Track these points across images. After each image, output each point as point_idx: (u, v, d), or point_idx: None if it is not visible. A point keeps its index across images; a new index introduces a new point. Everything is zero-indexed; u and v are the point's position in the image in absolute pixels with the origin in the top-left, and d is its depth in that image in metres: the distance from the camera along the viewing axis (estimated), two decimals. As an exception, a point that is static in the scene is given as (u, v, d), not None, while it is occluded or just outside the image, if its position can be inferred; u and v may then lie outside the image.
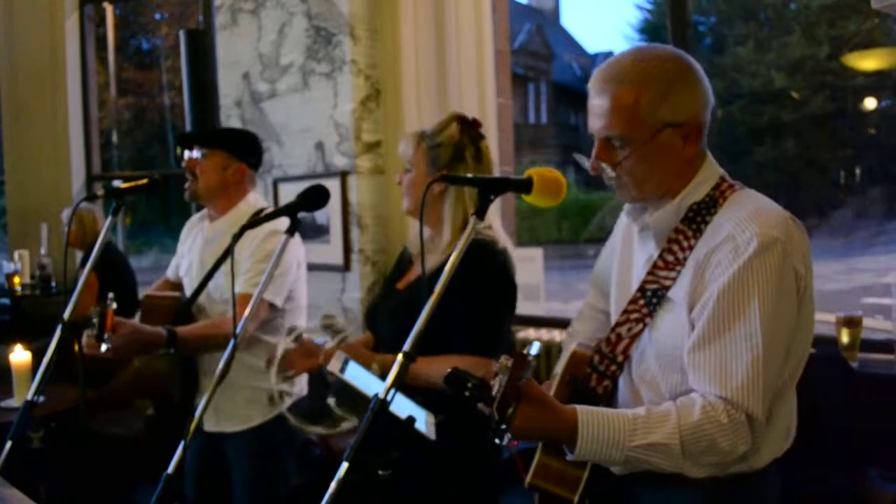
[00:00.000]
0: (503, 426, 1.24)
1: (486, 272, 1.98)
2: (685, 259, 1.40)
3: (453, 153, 2.11)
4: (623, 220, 1.65)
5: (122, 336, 2.20)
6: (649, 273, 1.45)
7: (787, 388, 1.43)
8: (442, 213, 2.10)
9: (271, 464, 2.59)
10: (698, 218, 1.42)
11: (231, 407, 2.51)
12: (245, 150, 2.63)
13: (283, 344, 2.13)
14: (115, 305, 2.18)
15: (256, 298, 1.81)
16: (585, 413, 1.32)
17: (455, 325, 1.84)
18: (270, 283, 2.42)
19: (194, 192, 2.58)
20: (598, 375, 1.49)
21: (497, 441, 1.26)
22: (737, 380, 1.31)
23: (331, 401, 2.03)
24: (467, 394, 1.24)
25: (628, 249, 1.61)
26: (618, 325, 1.49)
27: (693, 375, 1.36)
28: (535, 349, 1.28)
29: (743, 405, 1.30)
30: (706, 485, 1.39)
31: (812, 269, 1.40)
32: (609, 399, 1.50)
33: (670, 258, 1.43)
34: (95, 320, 2.16)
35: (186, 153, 2.59)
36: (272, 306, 2.48)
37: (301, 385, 2.61)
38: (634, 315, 1.46)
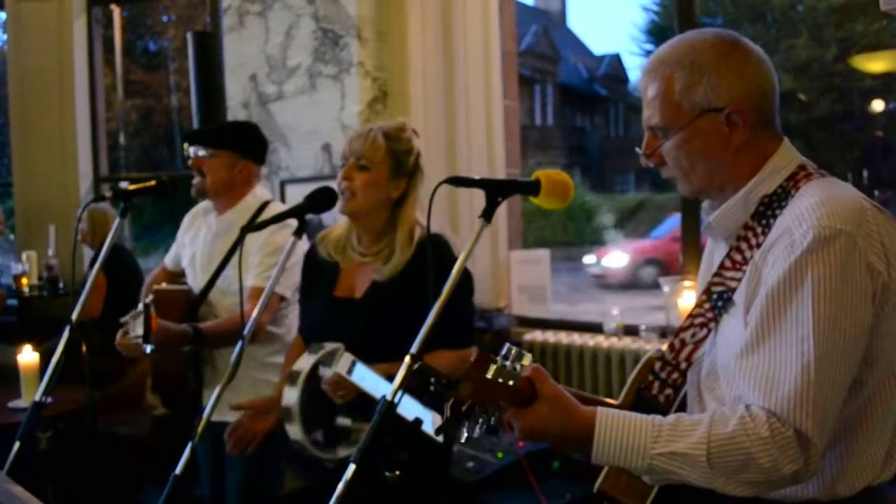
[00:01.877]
0: (456, 422, 1.20)
1: (445, 264, 1.99)
2: (752, 258, 1.27)
3: (415, 163, 2.13)
4: (709, 238, 1.53)
5: (155, 335, 2.21)
6: (715, 274, 1.34)
7: (875, 404, 1.26)
8: (395, 218, 2.10)
9: (267, 458, 2.58)
10: (768, 212, 1.28)
11: (233, 396, 2.51)
12: (251, 147, 2.67)
13: (292, 395, 1.98)
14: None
15: (268, 292, 1.82)
16: (605, 416, 1.23)
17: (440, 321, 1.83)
18: (281, 276, 2.46)
19: (202, 190, 2.61)
20: (660, 383, 1.38)
21: (451, 436, 1.24)
22: (783, 390, 1.16)
23: (344, 421, 1.99)
24: (431, 388, 1.24)
25: (710, 262, 1.49)
26: (682, 329, 1.38)
27: (740, 384, 1.23)
28: (503, 349, 1.25)
29: (790, 419, 1.15)
30: None
31: None
32: (672, 409, 1.39)
33: (738, 257, 1.30)
34: (138, 321, 2.17)
35: (192, 150, 2.61)
36: (282, 298, 2.51)
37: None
38: (699, 319, 1.35)
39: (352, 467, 1.27)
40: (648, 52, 21.57)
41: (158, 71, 16.07)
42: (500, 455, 3.14)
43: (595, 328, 3.87)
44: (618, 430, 1.22)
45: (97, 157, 5.77)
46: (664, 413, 1.30)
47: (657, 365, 1.40)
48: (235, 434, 2.19)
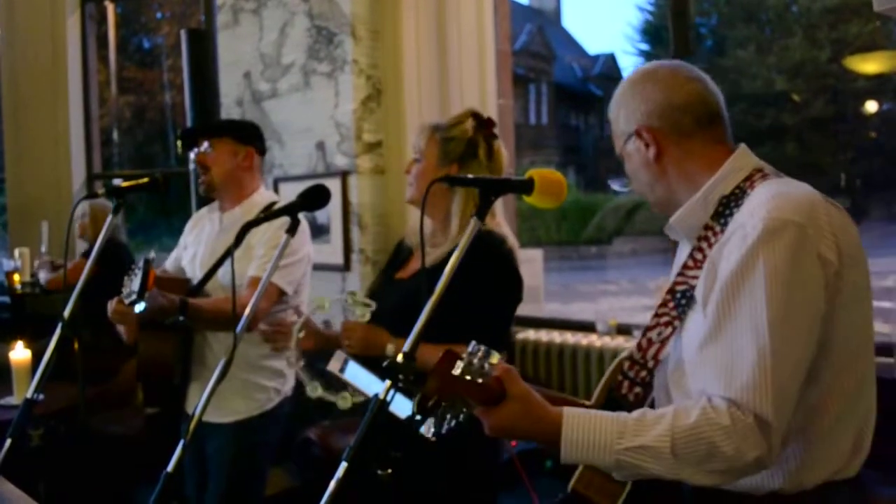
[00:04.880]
0: (421, 417, 1.21)
1: (493, 264, 1.99)
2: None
3: (465, 148, 2.11)
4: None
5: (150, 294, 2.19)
6: (679, 274, 1.39)
7: (838, 394, 1.30)
8: (450, 206, 2.10)
9: (250, 462, 2.57)
10: (726, 211, 1.35)
11: (221, 398, 2.49)
12: (249, 134, 2.67)
13: (298, 325, 2.10)
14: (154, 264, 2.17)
15: (267, 278, 1.81)
16: (571, 415, 1.26)
17: (462, 315, 1.83)
18: (283, 271, 2.43)
19: (209, 184, 2.59)
20: (629, 382, 1.42)
21: (417, 429, 1.24)
22: (742, 378, 1.20)
23: (314, 386, 2.00)
24: (399, 385, 1.27)
25: (679, 262, 1.52)
26: (648, 329, 1.42)
27: (702, 373, 1.28)
28: (470, 346, 1.24)
29: (749, 406, 1.19)
30: None
31: (860, 257, 1.30)
32: (642, 406, 1.41)
33: (699, 256, 1.36)
34: (135, 278, 2.13)
35: (193, 151, 2.60)
36: (282, 293, 2.49)
37: (290, 384, 2.63)
38: (664, 318, 1.40)
39: (343, 465, 1.27)
40: (643, 52, 21.61)
41: (152, 68, 16.04)
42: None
43: (588, 327, 3.87)
44: (584, 428, 1.25)
45: (90, 154, 5.76)
46: (632, 410, 1.33)
47: (626, 364, 1.44)
48: (274, 336, 2.22)
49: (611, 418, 1.25)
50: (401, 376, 1.25)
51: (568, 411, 1.26)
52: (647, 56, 20.72)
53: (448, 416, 1.22)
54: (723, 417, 1.19)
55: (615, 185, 1.55)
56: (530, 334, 3.90)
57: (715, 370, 1.24)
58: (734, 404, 1.20)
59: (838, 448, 1.32)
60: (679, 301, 1.37)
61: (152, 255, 2.17)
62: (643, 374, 1.41)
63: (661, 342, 1.39)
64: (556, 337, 3.82)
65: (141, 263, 2.15)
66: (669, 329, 1.38)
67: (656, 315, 1.41)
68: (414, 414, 1.20)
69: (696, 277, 1.34)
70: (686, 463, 1.21)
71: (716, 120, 1.43)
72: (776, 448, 1.21)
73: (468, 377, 1.20)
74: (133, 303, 2.13)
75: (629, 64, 24.88)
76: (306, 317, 2.13)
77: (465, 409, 1.23)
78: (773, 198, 1.27)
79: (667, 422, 1.22)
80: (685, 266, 1.38)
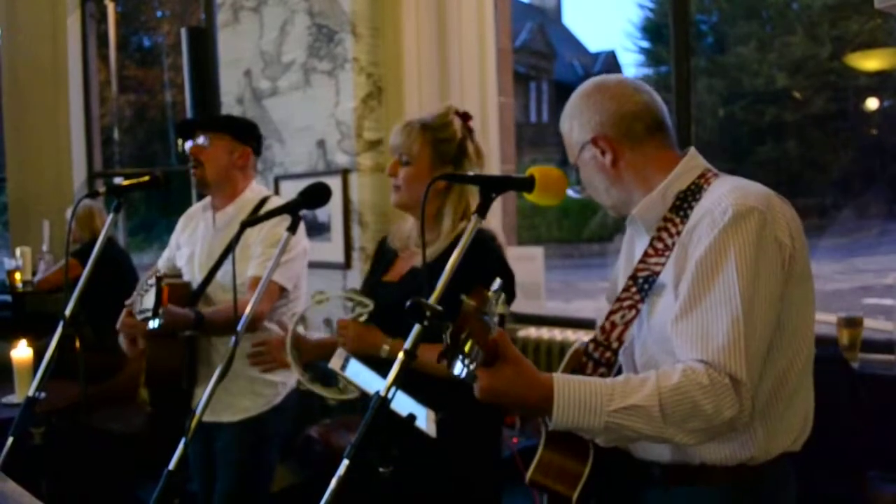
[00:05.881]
0: (455, 352, 1.19)
1: (489, 261, 1.99)
2: (674, 244, 1.44)
3: (458, 148, 2.11)
4: (627, 230, 1.69)
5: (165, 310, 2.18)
6: (640, 261, 1.49)
7: (792, 373, 1.43)
8: (441, 206, 2.09)
9: (260, 456, 2.59)
10: (685, 205, 1.47)
11: (229, 397, 2.49)
12: (248, 134, 2.67)
13: (292, 329, 2.13)
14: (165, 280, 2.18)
15: (267, 278, 1.82)
16: (562, 379, 1.31)
17: None
18: (282, 268, 2.43)
19: (202, 180, 2.59)
20: (593, 363, 1.48)
21: (450, 369, 1.19)
22: (717, 341, 1.30)
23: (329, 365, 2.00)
24: (426, 322, 1.24)
25: (630, 252, 1.65)
26: (611, 312, 1.50)
27: (677, 346, 1.36)
28: (495, 285, 1.25)
29: (725, 366, 1.29)
30: (714, 482, 1.41)
31: (805, 245, 1.43)
32: None
33: (660, 245, 1.47)
34: (148, 294, 2.13)
35: (189, 142, 2.60)
36: (282, 289, 2.49)
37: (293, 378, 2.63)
38: (627, 302, 1.48)
39: (345, 463, 1.27)
40: (644, 50, 21.56)
41: (153, 66, 16.02)
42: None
43: (589, 325, 3.87)
44: (575, 391, 1.29)
45: (91, 153, 5.77)
46: None
47: (590, 346, 1.50)
48: (260, 357, 2.25)
49: (599, 382, 1.32)
50: (428, 313, 1.23)
51: (558, 376, 1.32)
52: (648, 53, 20.71)
53: (474, 354, 1.20)
54: (701, 377, 1.28)
55: (571, 193, 1.62)
56: (531, 332, 3.89)
57: (691, 338, 1.34)
58: (710, 366, 1.30)
59: (794, 422, 1.46)
60: (641, 286, 1.47)
61: (161, 269, 2.17)
62: (608, 354, 1.48)
63: (624, 324, 1.47)
64: (557, 334, 3.82)
65: (153, 280, 2.15)
66: (633, 312, 1.47)
67: (619, 300, 1.50)
68: (446, 350, 1.19)
69: (658, 264, 1.46)
70: (672, 422, 1.29)
71: (662, 127, 1.56)
72: (747, 408, 1.30)
73: (486, 320, 1.21)
74: (147, 319, 2.14)
75: (630, 61, 24.85)
76: (293, 331, 2.13)
77: (478, 357, 1.21)
78: (734, 189, 1.41)
79: (652, 383, 1.30)
80: (646, 255, 1.49)
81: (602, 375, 1.46)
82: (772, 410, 1.42)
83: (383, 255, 2.29)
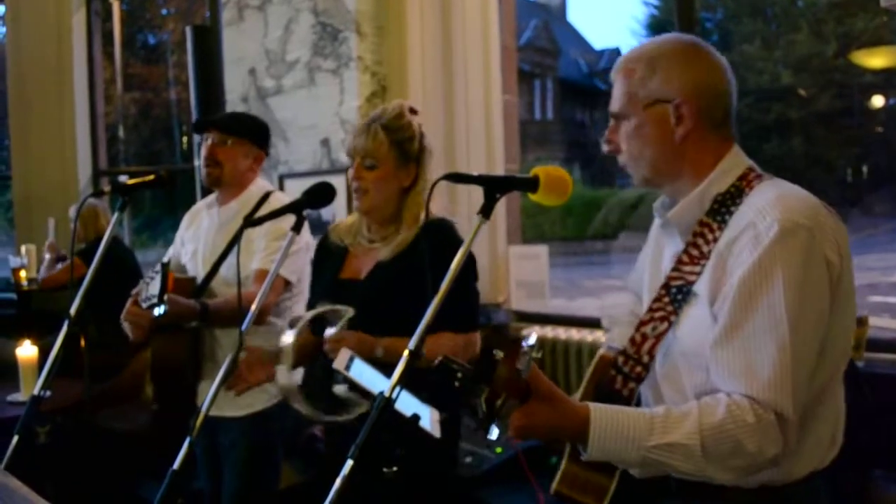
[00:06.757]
0: (491, 419, 1.17)
1: (454, 248, 1.99)
2: (710, 252, 1.34)
3: (419, 145, 2.10)
4: (656, 221, 1.59)
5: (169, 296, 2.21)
6: (674, 269, 1.39)
7: (826, 390, 1.34)
8: (402, 205, 2.10)
9: (266, 455, 2.59)
10: (723, 209, 1.35)
11: (232, 392, 2.49)
12: (265, 139, 2.73)
13: (288, 337, 2.08)
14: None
15: (274, 272, 1.82)
16: (599, 410, 1.25)
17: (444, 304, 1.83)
18: (286, 262, 2.44)
19: (217, 179, 2.60)
20: (622, 378, 1.40)
21: (486, 435, 1.18)
22: (763, 376, 1.22)
23: (340, 388, 1.99)
24: (457, 384, 1.18)
25: (658, 249, 1.55)
26: (643, 324, 1.41)
27: (716, 372, 1.28)
28: (531, 340, 1.21)
29: (771, 403, 1.21)
30: (738, 498, 1.33)
31: (851, 260, 1.32)
32: (635, 403, 1.42)
33: (695, 252, 1.36)
34: (154, 282, 2.14)
35: (209, 138, 2.60)
36: (287, 283, 2.50)
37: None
38: (659, 314, 1.39)
39: (349, 463, 1.27)
40: (648, 47, 21.53)
41: (157, 64, 16.03)
42: (498, 450, 3.15)
43: (593, 323, 3.87)
44: (613, 423, 1.24)
45: (96, 151, 5.77)
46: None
47: (620, 360, 1.42)
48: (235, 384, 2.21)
49: (637, 414, 1.26)
50: (459, 375, 1.18)
51: (595, 407, 1.27)
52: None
53: (507, 409, 1.17)
54: (748, 415, 1.21)
55: (604, 145, 1.49)
56: (535, 330, 3.89)
57: (734, 370, 1.25)
58: (756, 402, 1.22)
59: (822, 440, 1.36)
60: (675, 296, 1.37)
61: (167, 258, 2.17)
62: (638, 369, 1.40)
63: (655, 337, 1.39)
64: (562, 333, 3.81)
65: (158, 267, 2.16)
66: (665, 324, 1.38)
67: (650, 310, 1.41)
68: (483, 418, 1.16)
69: (693, 273, 1.35)
70: (712, 460, 1.23)
71: (730, 120, 1.44)
72: (791, 444, 1.24)
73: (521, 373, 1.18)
74: (153, 306, 2.14)
75: (634, 59, 24.72)
76: (267, 351, 2.09)
77: (513, 408, 1.19)
78: (780, 198, 1.29)
79: (693, 419, 1.23)
80: (680, 262, 1.38)
81: (631, 391, 1.40)
82: (804, 432, 1.32)
83: (329, 253, 2.24)
